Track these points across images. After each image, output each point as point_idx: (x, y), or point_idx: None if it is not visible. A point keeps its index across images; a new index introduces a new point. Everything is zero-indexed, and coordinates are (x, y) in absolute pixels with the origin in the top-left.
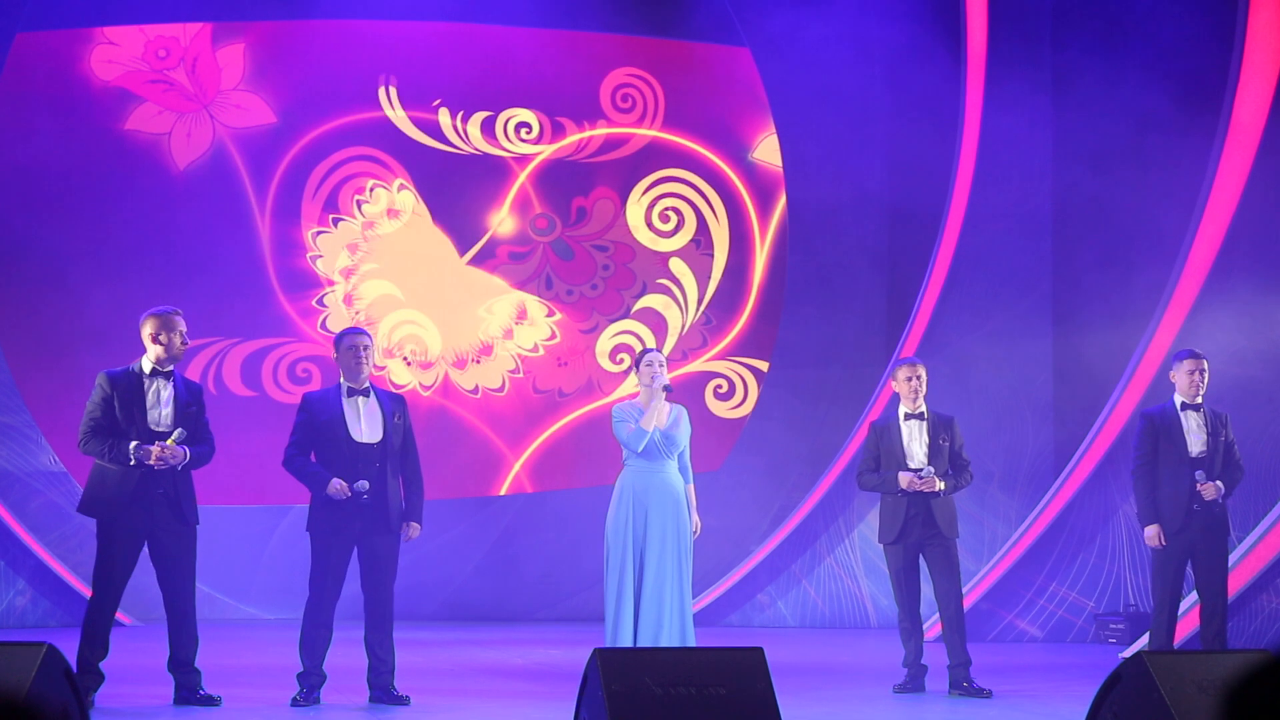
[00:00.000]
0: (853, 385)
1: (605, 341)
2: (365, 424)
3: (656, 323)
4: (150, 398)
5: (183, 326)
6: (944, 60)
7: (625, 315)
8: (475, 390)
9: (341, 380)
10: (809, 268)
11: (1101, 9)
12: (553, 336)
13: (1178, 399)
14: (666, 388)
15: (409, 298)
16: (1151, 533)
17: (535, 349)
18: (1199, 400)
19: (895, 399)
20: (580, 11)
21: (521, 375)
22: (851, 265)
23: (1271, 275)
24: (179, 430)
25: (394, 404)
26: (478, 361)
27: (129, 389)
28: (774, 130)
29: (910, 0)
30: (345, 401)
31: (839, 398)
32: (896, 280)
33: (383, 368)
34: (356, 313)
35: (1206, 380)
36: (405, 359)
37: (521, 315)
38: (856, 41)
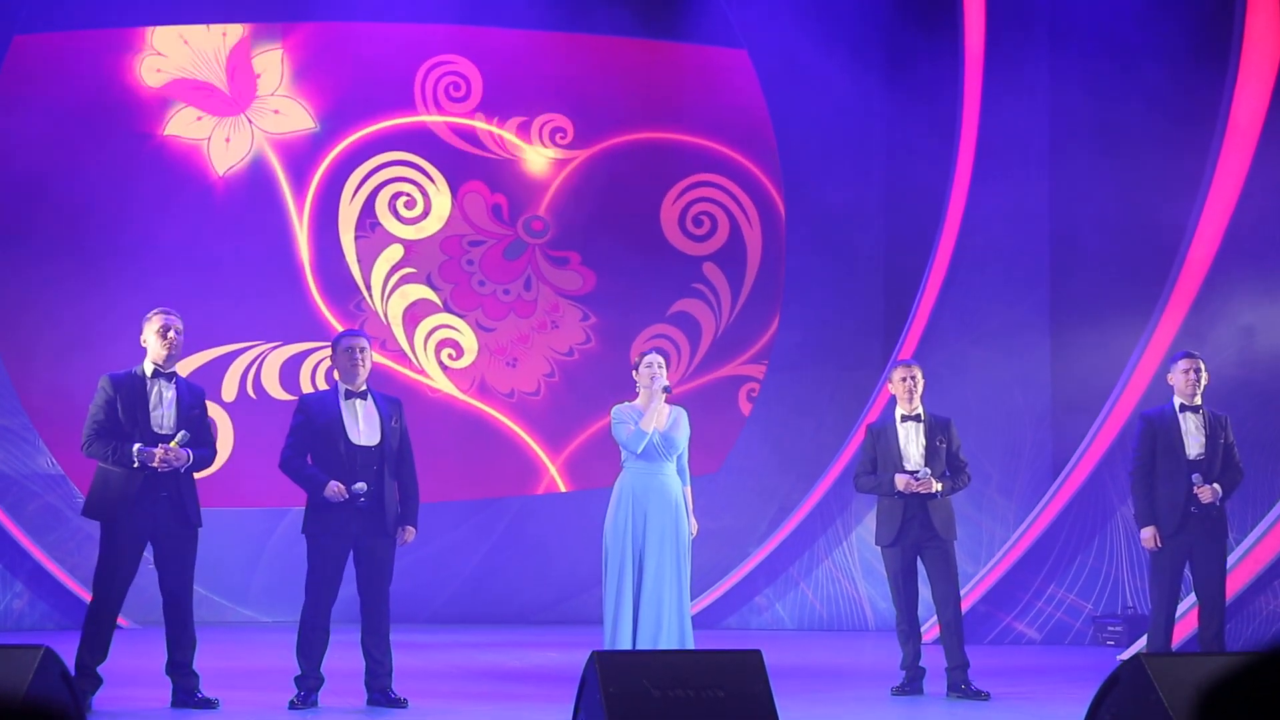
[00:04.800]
0: (850, 388)
1: (640, 345)
2: (363, 426)
3: (690, 327)
4: (153, 399)
5: (176, 324)
6: (942, 61)
7: (660, 319)
8: (511, 393)
9: (339, 382)
10: (806, 270)
11: (1099, 10)
12: (587, 340)
13: (1177, 401)
14: (666, 389)
15: (446, 302)
16: (1148, 534)
17: (570, 352)
18: (1198, 402)
19: (893, 401)
20: (613, 16)
21: (556, 378)
22: (849, 267)
23: (1270, 277)
24: (182, 433)
25: (391, 407)
26: (513, 365)
27: (131, 391)
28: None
29: (909, 5)
30: (343, 404)
31: (836, 400)
32: (894, 282)
33: (421, 371)
34: (393, 317)
35: (1204, 381)
36: (441, 363)
37: (557, 319)
38: (854, 44)
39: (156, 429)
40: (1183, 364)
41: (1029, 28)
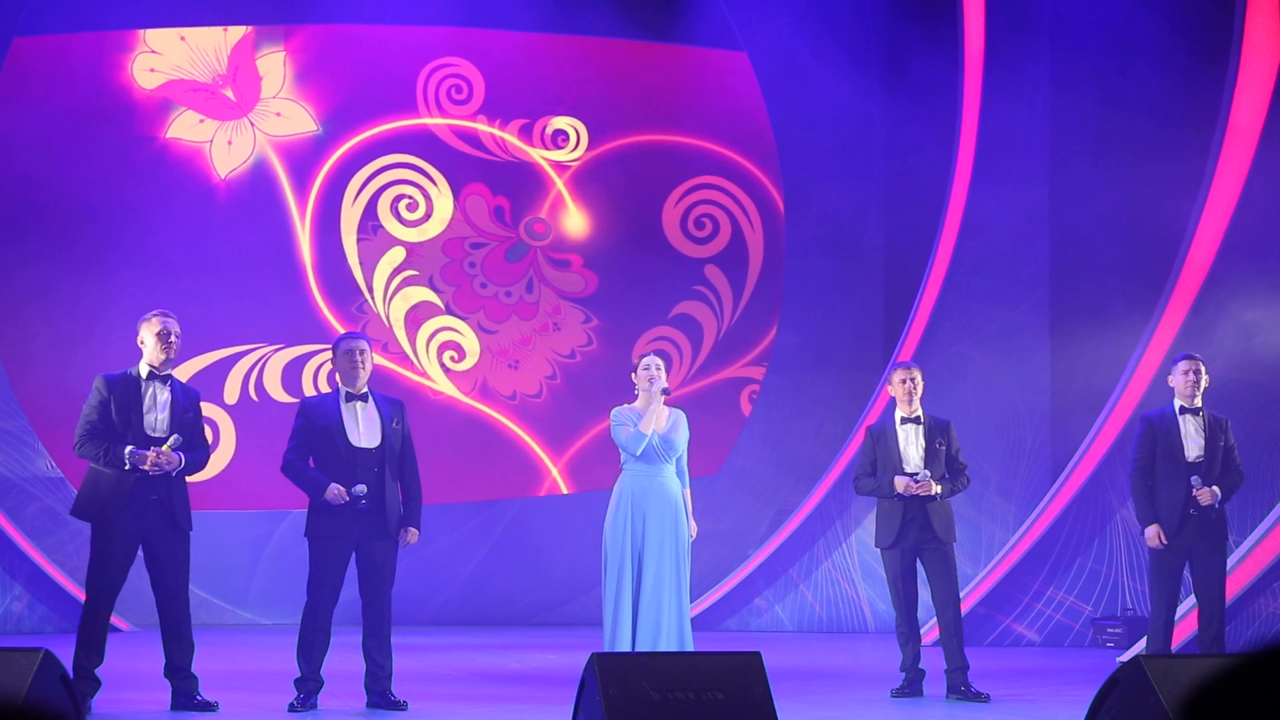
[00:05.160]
0: (850, 390)
1: (642, 347)
2: (364, 429)
3: (692, 329)
4: (147, 401)
5: (174, 327)
6: (941, 63)
7: (662, 322)
8: (513, 396)
9: (339, 385)
10: (806, 272)
11: (1099, 11)
12: (589, 342)
13: (1177, 403)
14: (665, 391)
15: (447, 304)
16: (1151, 533)
17: (572, 355)
18: (1197, 404)
19: (892, 403)
20: (613, 19)
21: (558, 380)
22: (849, 269)
23: (1270, 277)
24: (175, 436)
25: (392, 409)
26: (515, 367)
27: (126, 392)
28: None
29: (909, 8)
30: (343, 406)
31: (836, 402)
32: (894, 284)
33: (423, 373)
34: (395, 320)
35: (1204, 383)
36: (443, 365)
37: (559, 321)
38: (853, 46)
39: (150, 431)
40: (1182, 366)
41: (1029, 29)
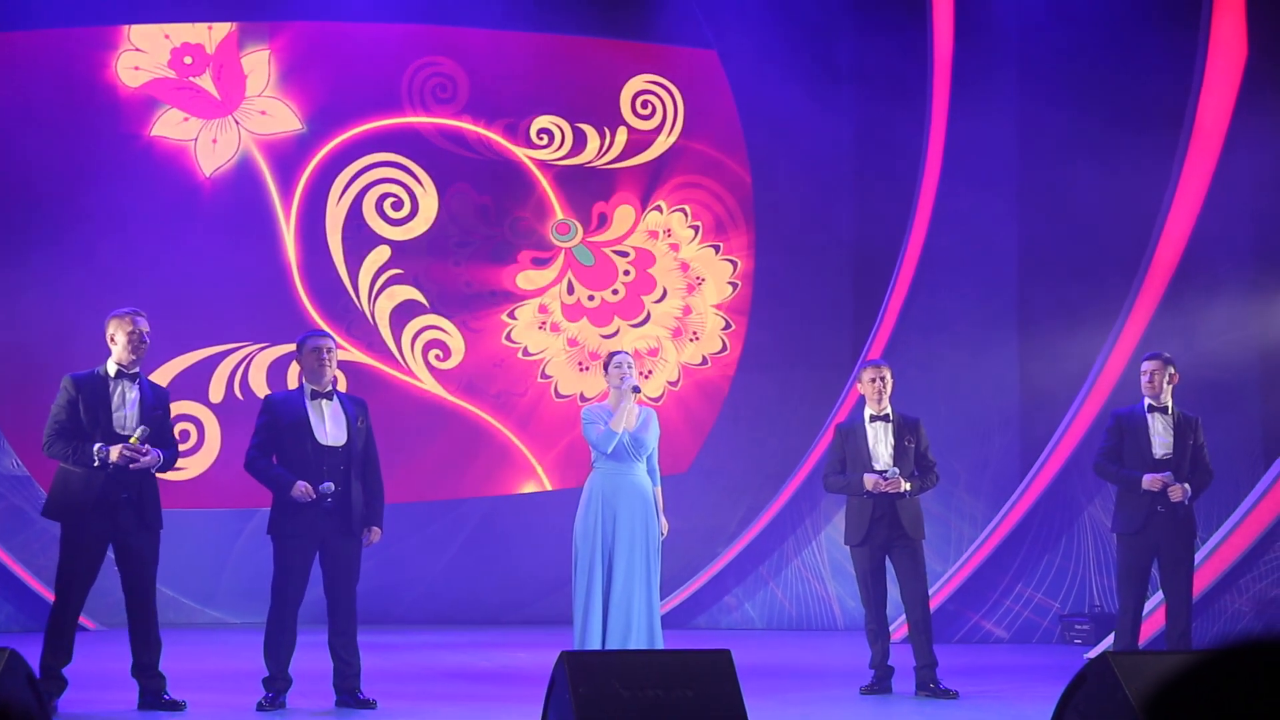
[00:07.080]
0: (819, 388)
1: (626, 346)
2: (330, 427)
3: (676, 328)
4: (115, 399)
5: (144, 326)
6: (911, 63)
7: (646, 321)
8: (498, 395)
9: (305, 383)
10: (776, 269)
11: (1066, 19)
12: (574, 341)
13: (1146, 401)
14: (635, 389)
15: (432, 303)
16: (1150, 478)
17: (557, 354)
18: (1165, 402)
19: (861, 401)
20: (594, 18)
21: (543, 380)
22: (818, 267)
23: (1234, 279)
24: (142, 428)
25: (357, 408)
26: (500, 366)
27: (93, 391)
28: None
29: (877, 7)
30: (309, 404)
31: (805, 400)
32: (863, 282)
33: (408, 371)
34: (381, 318)
35: (1171, 382)
36: (429, 363)
37: (543, 320)
38: (824, 46)
39: (119, 429)
40: (1147, 365)
41: (998, 31)
